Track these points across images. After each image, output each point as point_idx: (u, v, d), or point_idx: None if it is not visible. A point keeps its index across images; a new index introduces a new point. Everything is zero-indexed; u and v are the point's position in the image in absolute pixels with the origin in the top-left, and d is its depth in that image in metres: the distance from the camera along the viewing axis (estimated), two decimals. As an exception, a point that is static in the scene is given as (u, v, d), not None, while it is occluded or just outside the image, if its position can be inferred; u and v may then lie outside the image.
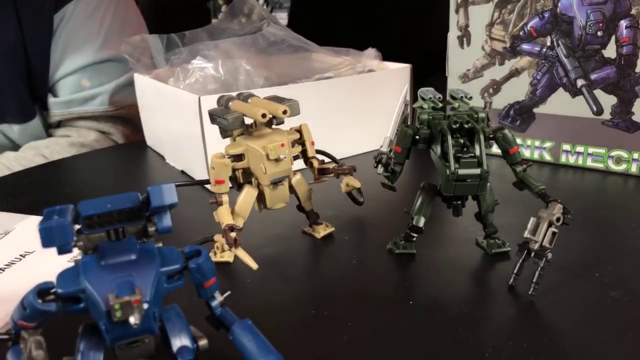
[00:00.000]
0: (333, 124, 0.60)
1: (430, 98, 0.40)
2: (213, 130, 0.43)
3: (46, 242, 0.24)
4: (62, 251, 0.25)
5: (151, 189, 0.26)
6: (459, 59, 0.61)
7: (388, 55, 0.70)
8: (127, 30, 0.79)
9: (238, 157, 0.40)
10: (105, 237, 0.27)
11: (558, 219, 0.35)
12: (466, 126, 0.37)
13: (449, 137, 0.36)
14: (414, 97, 0.66)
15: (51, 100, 0.76)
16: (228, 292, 0.29)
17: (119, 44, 0.76)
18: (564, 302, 0.35)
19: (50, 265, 0.39)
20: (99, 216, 0.26)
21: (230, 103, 0.41)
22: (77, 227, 0.26)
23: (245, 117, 0.40)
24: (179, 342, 0.27)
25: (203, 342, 0.27)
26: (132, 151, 0.73)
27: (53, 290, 0.25)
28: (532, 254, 0.35)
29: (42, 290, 0.25)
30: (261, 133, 0.40)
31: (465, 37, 0.60)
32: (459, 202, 0.39)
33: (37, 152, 0.74)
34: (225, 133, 0.41)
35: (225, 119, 0.39)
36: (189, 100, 0.53)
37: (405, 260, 0.40)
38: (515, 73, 0.58)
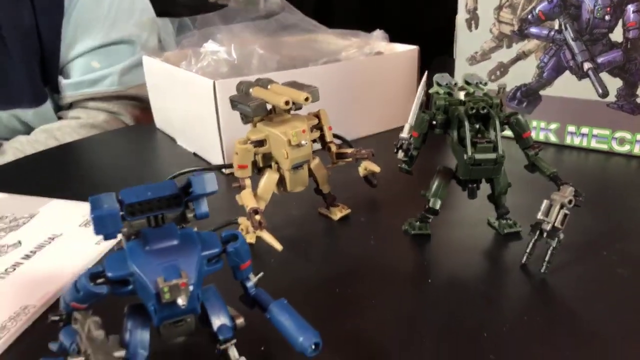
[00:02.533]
0: (343, 106, 0.62)
1: (447, 84, 0.41)
2: (228, 114, 0.44)
3: (99, 229, 0.25)
4: (109, 237, 0.27)
5: (193, 178, 0.27)
6: (467, 42, 0.62)
7: (392, 36, 0.71)
8: (135, 12, 0.80)
9: (260, 143, 0.41)
10: (146, 223, 0.28)
11: (570, 202, 0.37)
12: (482, 112, 0.38)
13: (466, 123, 0.38)
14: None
15: (63, 81, 0.77)
16: (261, 274, 0.31)
17: (127, 25, 0.76)
18: (574, 279, 0.37)
19: (78, 247, 0.41)
20: (140, 204, 0.27)
21: (250, 89, 0.42)
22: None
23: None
24: (219, 320, 0.29)
25: (240, 321, 0.29)
26: (142, 133, 0.74)
27: (103, 274, 0.26)
28: (545, 234, 0.37)
29: (94, 274, 0.26)
30: (282, 119, 0.41)
31: (473, 19, 0.61)
32: (475, 185, 0.40)
33: (49, 134, 0.75)
34: (246, 119, 0.42)
35: (248, 106, 0.40)
36: (204, 84, 0.53)
37: (421, 241, 0.42)
38: (522, 56, 0.59)
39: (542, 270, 0.37)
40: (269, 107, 0.42)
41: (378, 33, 0.70)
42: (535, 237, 0.37)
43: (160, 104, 0.70)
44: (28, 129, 0.77)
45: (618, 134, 0.56)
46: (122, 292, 0.26)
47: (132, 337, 0.27)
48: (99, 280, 0.26)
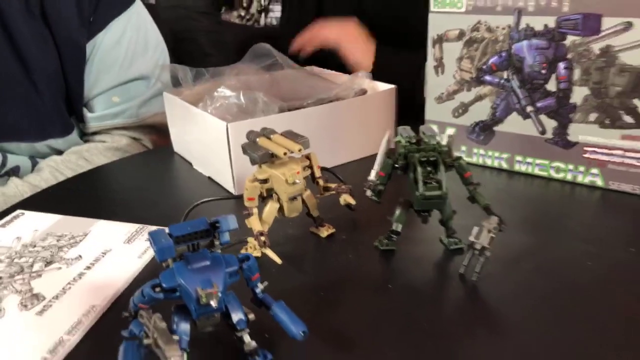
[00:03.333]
0: (334, 137, 0.74)
1: (407, 136, 0.53)
2: (237, 149, 0.56)
3: (160, 257, 0.38)
4: (163, 260, 0.39)
5: (222, 219, 0.40)
6: (435, 85, 0.75)
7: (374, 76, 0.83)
8: (149, 49, 0.92)
9: (264, 181, 0.53)
10: (186, 249, 0.41)
11: (495, 228, 0.49)
12: (432, 159, 0.51)
13: (419, 168, 0.50)
14: (398, 114, 0.80)
15: (87, 114, 0.89)
16: (266, 283, 0.43)
17: (143, 63, 0.89)
18: (497, 285, 0.50)
19: (125, 260, 0.54)
20: (183, 236, 0.40)
21: (257, 139, 0.55)
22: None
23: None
24: (237, 316, 0.41)
25: (251, 316, 0.41)
26: (162, 157, 0.86)
27: (160, 285, 0.39)
28: (475, 251, 0.49)
29: (154, 285, 0.38)
30: (281, 162, 0.54)
31: (440, 67, 0.74)
32: (426, 213, 0.53)
33: (79, 155, 0.88)
34: (254, 162, 0.54)
35: (256, 154, 0.52)
36: (218, 125, 0.66)
37: (387, 255, 0.55)
38: (479, 98, 0.72)
39: (473, 279, 0.49)
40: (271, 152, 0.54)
41: (363, 73, 0.82)
42: (469, 253, 0.50)
43: (178, 132, 0.83)
44: (60, 154, 0.90)
45: (554, 164, 0.69)
46: (172, 297, 0.39)
47: (178, 327, 0.39)
48: (157, 289, 0.39)
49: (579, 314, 0.45)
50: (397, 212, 0.54)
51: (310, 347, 0.42)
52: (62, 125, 0.87)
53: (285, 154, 0.51)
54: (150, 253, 0.55)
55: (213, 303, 0.38)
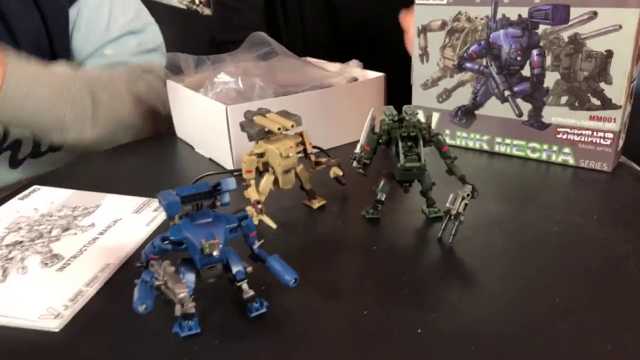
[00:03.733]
0: (325, 121, 0.80)
1: (390, 114, 0.59)
2: (236, 131, 0.62)
3: (169, 212, 0.43)
4: (170, 217, 0.44)
5: (222, 180, 0.45)
6: (420, 72, 0.80)
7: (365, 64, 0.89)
8: (129, 9, 0.94)
9: (261, 155, 0.59)
10: (191, 208, 0.46)
11: (468, 195, 0.55)
12: (412, 134, 0.56)
13: (400, 142, 0.56)
14: (387, 102, 0.85)
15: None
16: (262, 240, 0.49)
17: (126, 20, 0.91)
18: (472, 247, 0.55)
19: (134, 227, 0.59)
20: (188, 196, 0.45)
21: (254, 117, 0.60)
22: (176, 202, 0.45)
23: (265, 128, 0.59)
24: (236, 267, 0.46)
25: (249, 268, 0.47)
26: (165, 142, 0.91)
27: (168, 238, 0.44)
28: (451, 217, 0.55)
29: (163, 237, 0.44)
30: (276, 138, 0.59)
31: (424, 55, 0.79)
32: (407, 184, 0.58)
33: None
34: (251, 138, 0.60)
35: (253, 130, 0.58)
36: (218, 108, 0.71)
37: (373, 223, 0.60)
38: (461, 84, 0.77)
39: (450, 241, 0.55)
40: (267, 129, 0.60)
41: (354, 62, 0.88)
42: (446, 219, 0.56)
43: (181, 118, 0.88)
44: None
45: (531, 144, 0.75)
46: (178, 249, 0.44)
47: (184, 277, 0.45)
48: (166, 242, 0.44)
49: (543, 268, 0.51)
50: (381, 183, 0.59)
51: (302, 297, 0.48)
52: None
53: (279, 129, 0.57)
54: (158, 221, 0.60)
55: (215, 253, 0.43)
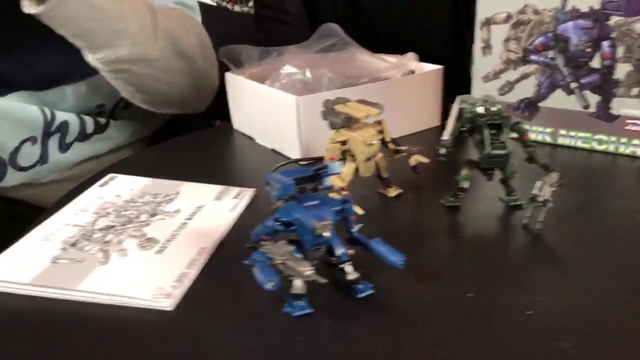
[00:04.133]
0: (386, 113, 0.80)
1: (471, 102, 0.59)
2: (304, 120, 0.62)
3: (281, 194, 0.44)
4: (279, 198, 0.45)
5: (329, 164, 0.46)
6: (482, 65, 0.81)
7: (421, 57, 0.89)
8: None
9: (343, 143, 0.60)
10: (297, 190, 0.47)
11: (556, 182, 0.55)
12: (496, 122, 0.57)
13: (485, 130, 0.56)
14: (444, 91, 0.86)
15: None
16: (361, 224, 0.49)
17: None
18: (558, 233, 0.55)
19: (219, 213, 0.60)
20: (299, 179, 0.46)
21: (335, 106, 0.61)
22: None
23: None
24: (339, 250, 0.47)
25: (351, 251, 0.47)
26: (221, 134, 0.92)
27: (279, 219, 0.45)
28: (539, 204, 0.55)
29: (275, 219, 0.45)
30: (357, 126, 0.60)
31: (487, 48, 0.80)
32: (491, 171, 0.59)
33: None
34: (333, 126, 0.61)
35: (337, 119, 0.59)
36: (288, 99, 0.72)
37: (453, 210, 0.61)
38: (525, 76, 0.78)
39: (537, 227, 0.55)
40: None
41: (410, 55, 0.89)
42: (533, 206, 0.56)
43: (240, 110, 0.89)
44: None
45: (597, 137, 0.75)
46: (289, 229, 0.45)
47: (291, 258, 0.46)
48: (277, 223, 0.45)
49: (632, 254, 0.51)
50: (464, 171, 0.60)
51: (401, 280, 0.48)
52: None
53: (366, 116, 0.57)
54: (240, 208, 0.61)
55: (327, 234, 0.44)
